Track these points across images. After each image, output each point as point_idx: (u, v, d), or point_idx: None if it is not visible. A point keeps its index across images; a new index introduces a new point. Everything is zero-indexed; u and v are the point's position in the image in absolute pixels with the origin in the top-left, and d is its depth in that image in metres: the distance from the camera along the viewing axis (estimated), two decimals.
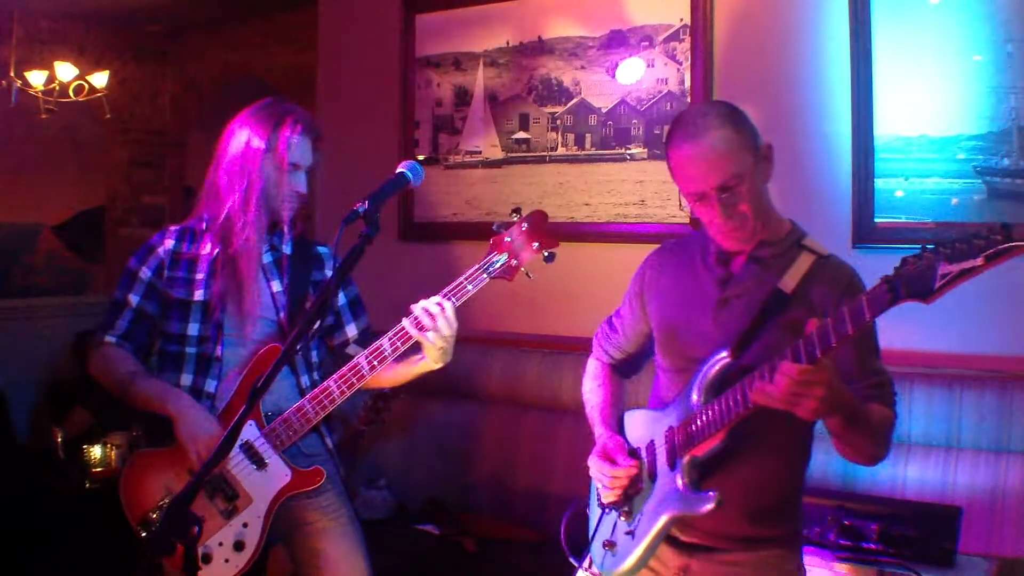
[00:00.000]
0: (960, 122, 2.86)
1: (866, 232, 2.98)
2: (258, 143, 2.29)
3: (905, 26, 2.93)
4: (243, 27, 5.96)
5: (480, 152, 3.87)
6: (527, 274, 2.28)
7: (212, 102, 6.25)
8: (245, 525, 2.25)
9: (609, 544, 1.96)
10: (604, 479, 1.96)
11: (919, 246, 1.44)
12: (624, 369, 2.21)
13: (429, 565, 3.06)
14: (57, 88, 4.96)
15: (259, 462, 2.27)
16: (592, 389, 2.18)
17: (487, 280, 2.23)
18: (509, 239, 2.25)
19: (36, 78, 4.93)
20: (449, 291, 2.22)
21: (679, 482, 1.82)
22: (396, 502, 3.51)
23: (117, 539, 2.35)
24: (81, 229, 6.10)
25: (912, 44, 2.92)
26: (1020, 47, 2.77)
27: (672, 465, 1.84)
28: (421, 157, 3.93)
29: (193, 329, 2.33)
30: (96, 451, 4.10)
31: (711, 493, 1.77)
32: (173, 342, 2.34)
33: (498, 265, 2.24)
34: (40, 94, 4.94)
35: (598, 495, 2.04)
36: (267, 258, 2.39)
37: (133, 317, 2.34)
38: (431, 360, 2.27)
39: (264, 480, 2.27)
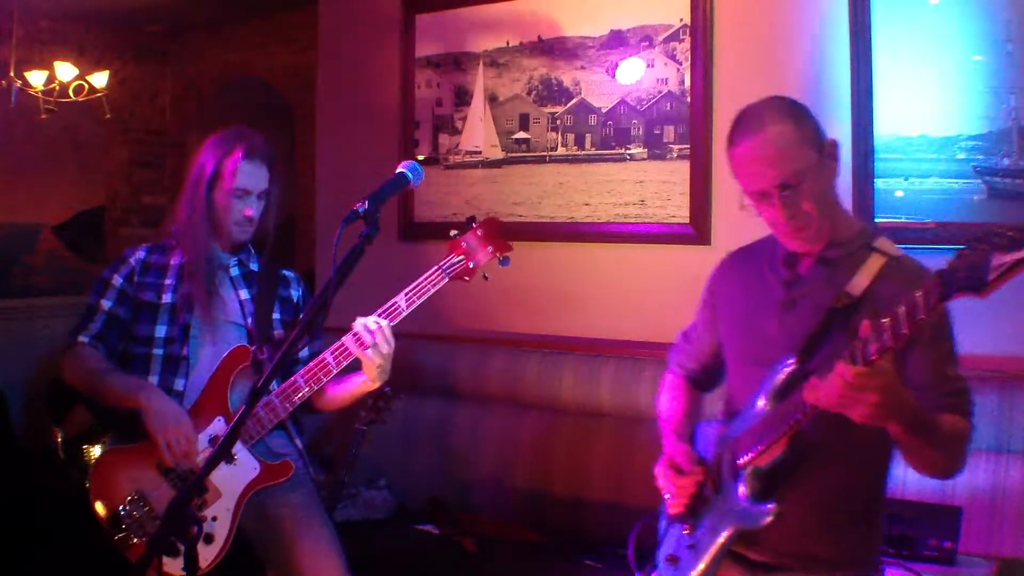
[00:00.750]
0: (960, 122, 2.86)
1: None
2: (208, 169, 2.46)
3: (905, 26, 2.93)
4: (243, 27, 5.96)
5: (480, 152, 3.87)
6: (484, 276, 2.41)
7: (212, 102, 6.25)
8: (214, 519, 2.30)
9: (672, 558, 1.91)
10: (671, 488, 1.91)
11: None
12: (702, 381, 2.14)
13: (429, 565, 3.06)
14: (57, 88, 4.96)
15: (228, 456, 2.30)
16: (665, 401, 2.13)
17: (446, 280, 2.36)
18: (465, 244, 2.39)
19: (36, 78, 4.93)
20: (411, 290, 2.33)
21: (740, 492, 1.77)
22: (396, 502, 3.51)
23: (108, 540, 2.36)
24: (81, 229, 6.10)
25: (912, 44, 2.92)
26: (1020, 47, 2.77)
27: (735, 476, 1.80)
28: (421, 157, 3.93)
29: (160, 331, 2.44)
30: (96, 451, 4.06)
31: (769, 506, 1.72)
32: (140, 344, 2.45)
33: (455, 265, 2.37)
34: (40, 94, 4.94)
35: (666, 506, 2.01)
36: (235, 271, 2.55)
37: (106, 320, 2.45)
38: (370, 379, 2.35)
39: (233, 474, 2.32)
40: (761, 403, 1.78)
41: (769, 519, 1.72)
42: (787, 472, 1.75)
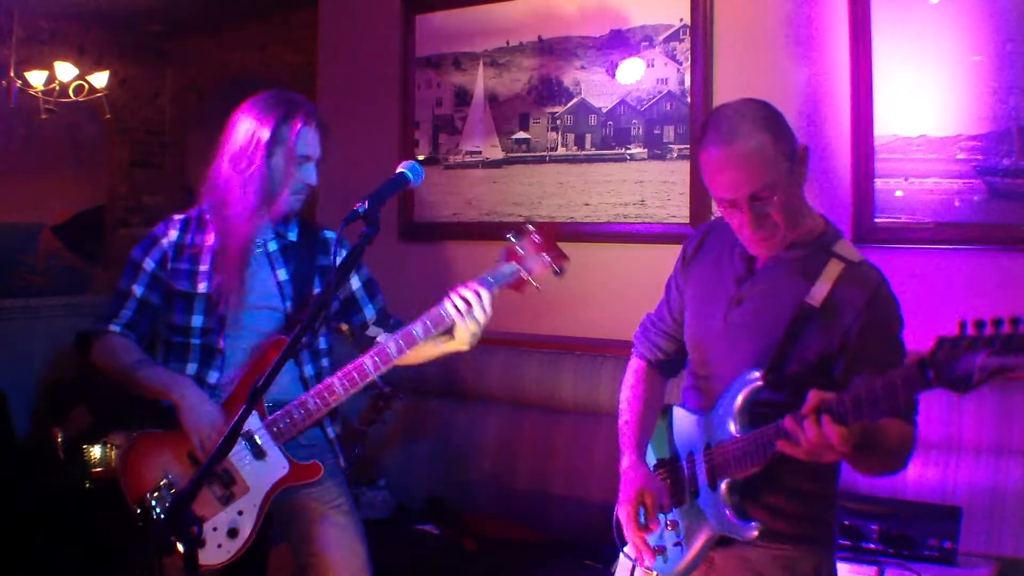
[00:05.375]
0: (960, 122, 2.86)
1: (866, 232, 2.98)
2: (266, 134, 2.29)
3: (905, 26, 2.93)
4: (243, 27, 5.96)
5: (480, 152, 3.87)
6: (536, 287, 2.29)
7: (212, 102, 6.25)
8: (240, 513, 2.27)
9: (659, 549, 1.94)
10: (634, 540, 1.92)
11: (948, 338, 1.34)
12: (667, 364, 2.12)
13: (429, 565, 3.06)
14: (57, 88, 4.96)
15: (259, 452, 2.29)
16: (626, 399, 2.09)
17: (495, 292, 2.27)
18: (520, 249, 2.28)
19: (36, 78, 4.93)
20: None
21: (721, 505, 1.81)
22: (396, 502, 3.51)
23: (117, 539, 2.36)
24: (81, 229, 6.10)
25: (912, 44, 2.92)
26: (1020, 47, 2.77)
27: (713, 486, 1.83)
28: (421, 157, 3.93)
29: (197, 321, 2.35)
30: (96, 451, 4.09)
31: (753, 523, 1.77)
32: (178, 333, 2.36)
33: (507, 278, 2.28)
34: (40, 94, 4.94)
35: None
36: (272, 246, 2.41)
37: (137, 307, 2.36)
38: (460, 342, 2.31)
39: (262, 470, 2.29)
40: (732, 427, 1.80)
41: (754, 534, 1.77)
42: (761, 482, 1.80)
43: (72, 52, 5.57)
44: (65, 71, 4.93)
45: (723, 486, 1.81)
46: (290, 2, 5.37)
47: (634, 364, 2.15)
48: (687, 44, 3.35)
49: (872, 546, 2.49)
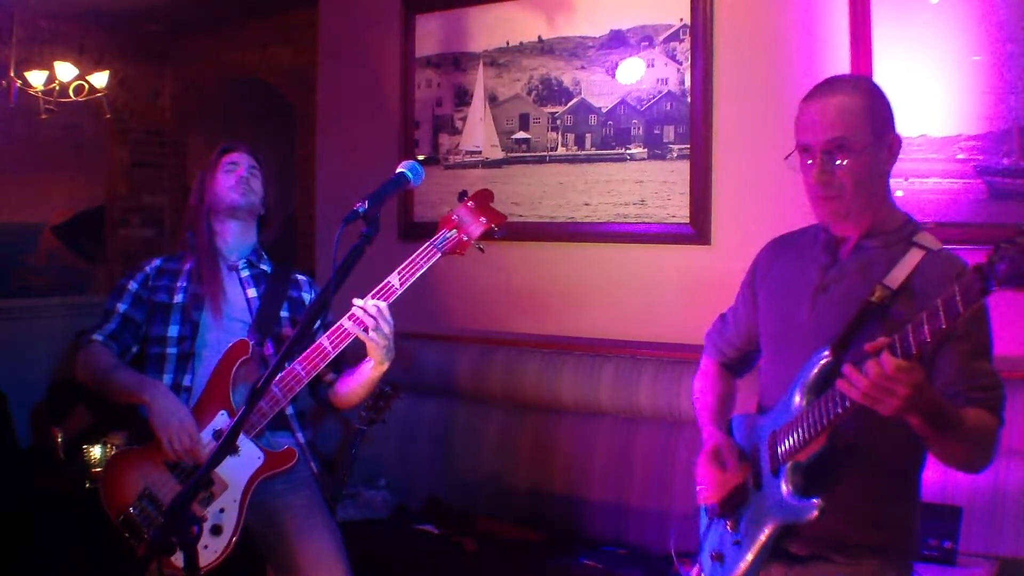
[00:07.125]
0: (960, 122, 2.86)
1: None
2: (198, 179, 2.67)
3: (905, 26, 2.93)
4: (243, 27, 5.96)
5: (480, 152, 3.87)
6: (479, 248, 2.43)
7: (212, 102, 6.25)
8: (222, 510, 2.32)
9: (717, 556, 1.91)
10: (710, 482, 1.92)
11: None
12: (736, 367, 2.15)
13: (429, 565, 3.07)
14: (57, 88, 4.95)
15: (232, 448, 2.33)
16: (701, 389, 2.13)
17: (439, 255, 2.38)
18: (456, 217, 2.42)
19: (36, 78, 4.92)
20: (404, 268, 2.36)
21: (783, 489, 1.77)
22: (396, 502, 3.51)
23: (117, 539, 2.36)
24: (81, 229, 6.10)
25: (912, 44, 2.92)
26: (1020, 47, 2.77)
27: (776, 472, 1.80)
28: (421, 157, 3.93)
29: (173, 331, 2.53)
30: (96, 451, 4.10)
31: (814, 500, 1.72)
32: (155, 344, 2.53)
33: (448, 239, 2.40)
34: (40, 94, 4.93)
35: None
36: (245, 272, 2.64)
37: (120, 321, 2.54)
38: (377, 361, 2.38)
39: (238, 465, 2.35)
40: (798, 399, 1.77)
41: (815, 514, 1.71)
42: (827, 466, 1.75)
43: (72, 52, 5.57)
44: (65, 71, 4.92)
45: (786, 468, 1.77)
46: (290, 2, 5.37)
47: (704, 362, 2.19)
48: (687, 44, 3.35)
49: None
